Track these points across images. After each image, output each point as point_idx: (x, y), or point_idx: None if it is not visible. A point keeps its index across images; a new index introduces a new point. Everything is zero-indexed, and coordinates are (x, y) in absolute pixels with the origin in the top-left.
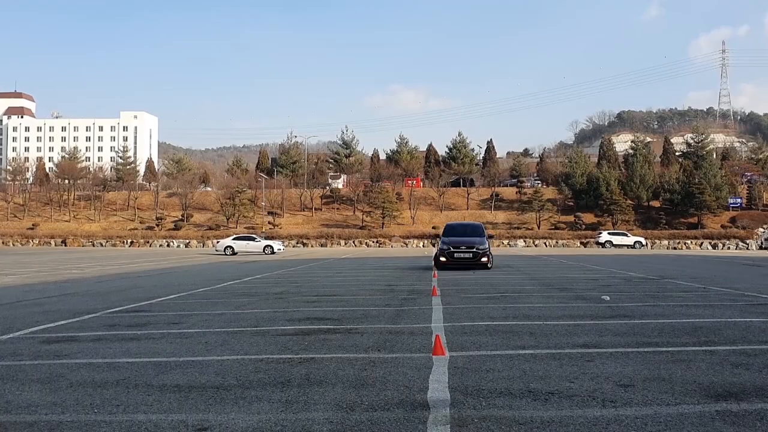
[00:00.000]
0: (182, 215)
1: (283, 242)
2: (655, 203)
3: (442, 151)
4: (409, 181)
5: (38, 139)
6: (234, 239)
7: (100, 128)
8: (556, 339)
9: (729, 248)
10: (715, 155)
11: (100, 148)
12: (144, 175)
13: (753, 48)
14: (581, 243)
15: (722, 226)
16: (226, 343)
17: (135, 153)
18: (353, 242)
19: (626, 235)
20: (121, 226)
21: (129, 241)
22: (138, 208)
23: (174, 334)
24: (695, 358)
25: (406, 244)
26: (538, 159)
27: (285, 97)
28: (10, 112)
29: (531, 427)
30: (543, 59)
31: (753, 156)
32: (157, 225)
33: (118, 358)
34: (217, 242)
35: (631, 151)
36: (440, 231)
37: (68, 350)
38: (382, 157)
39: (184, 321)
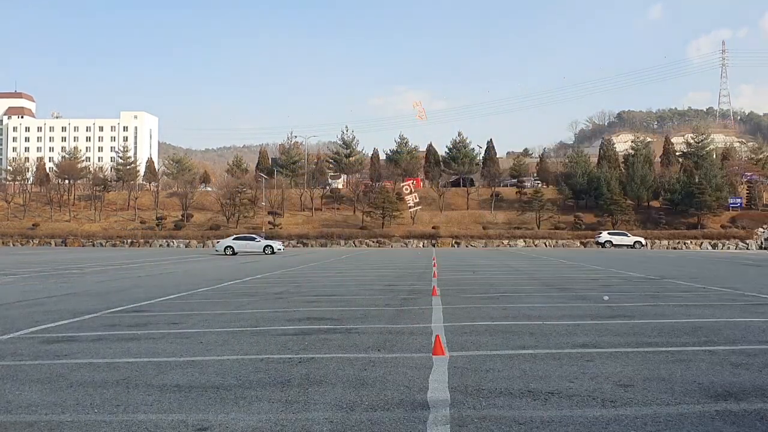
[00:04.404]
0: (182, 215)
1: (283, 242)
2: (655, 203)
3: (442, 151)
4: (410, 181)
5: (38, 139)
6: (234, 239)
7: (100, 128)
8: (555, 339)
9: (729, 248)
10: (715, 155)
11: (100, 148)
12: (144, 175)
13: (753, 49)
14: (581, 243)
15: (722, 226)
16: (226, 343)
17: (135, 153)
18: (353, 242)
19: (626, 235)
20: (122, 226)
21: (129, 241)
22: (138, 208)
23: (174, 334)
24: (695, 358)
25: (407, 245)
26: (538, 159)
27: (285, 97)
28: (10, 112)
29: (531, 426)
30: (543, 59)
31: (753, 156)
32: (158, 225)
33: (119, 358)
34: (218, 242)
35: (631, 151)
36: (440, 231)
37: (68, 350)
38: (383, 157)
39: (184, 321)
